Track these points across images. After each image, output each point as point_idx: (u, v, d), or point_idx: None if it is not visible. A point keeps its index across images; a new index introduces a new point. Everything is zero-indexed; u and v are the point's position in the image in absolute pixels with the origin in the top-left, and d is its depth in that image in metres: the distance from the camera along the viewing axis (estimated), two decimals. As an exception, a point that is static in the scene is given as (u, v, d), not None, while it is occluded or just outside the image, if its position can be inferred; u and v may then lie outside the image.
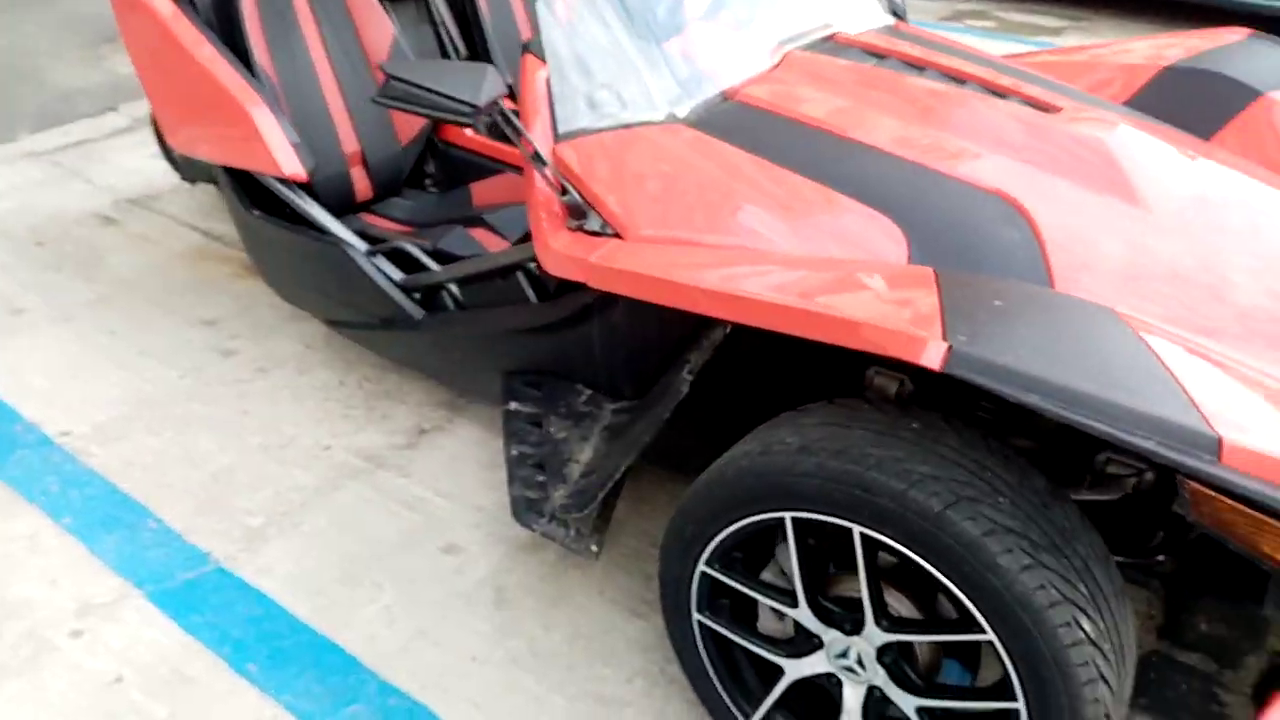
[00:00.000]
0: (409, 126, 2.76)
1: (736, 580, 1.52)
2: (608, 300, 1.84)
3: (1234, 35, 2.56)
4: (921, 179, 1.75)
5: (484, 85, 1.74)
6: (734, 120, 1.92)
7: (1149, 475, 1.52)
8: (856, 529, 1.33)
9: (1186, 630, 1.87)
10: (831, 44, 2.27)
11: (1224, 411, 1.13)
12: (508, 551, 2.11)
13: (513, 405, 2.05)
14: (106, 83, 4.70)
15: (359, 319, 2.39)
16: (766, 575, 1.57)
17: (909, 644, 1.43)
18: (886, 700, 1.45)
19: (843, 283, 1.41)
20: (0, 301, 3.01)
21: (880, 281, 1.42)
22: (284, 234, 2.39)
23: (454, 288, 2.22)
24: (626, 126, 1.91)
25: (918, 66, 2.17)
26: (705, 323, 1.74)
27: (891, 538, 1.29)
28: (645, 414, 1.65)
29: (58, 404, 2.56)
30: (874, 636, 1.40)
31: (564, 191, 1.82)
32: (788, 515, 1.39)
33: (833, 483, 1.32)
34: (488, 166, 2.79)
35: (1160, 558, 1.55)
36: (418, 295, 2.29)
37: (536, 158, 1.82)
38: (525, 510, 1.83)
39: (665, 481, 2.27)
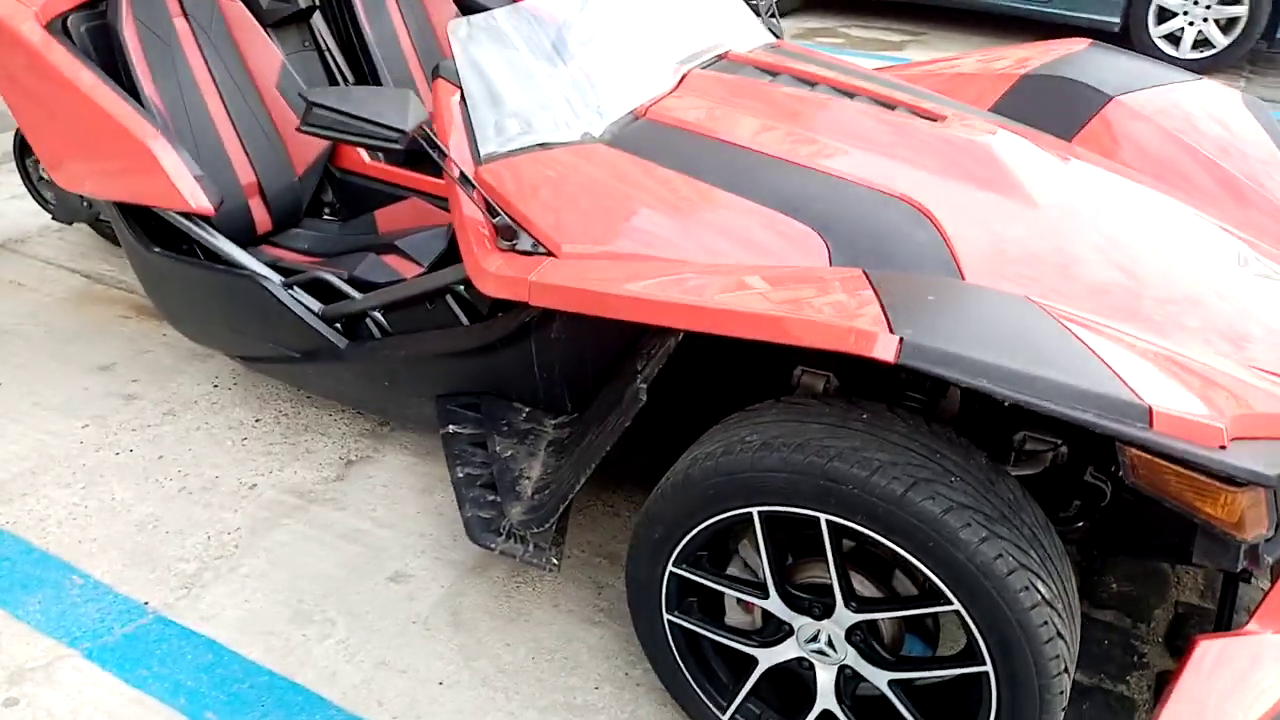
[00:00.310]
0: (305, 156, 2.74)
1: (707, 578, 1.60)
2: (545, 318, 1.90)
3: (1079, 45, 2.82)
4: (831, 189, 1.88)
5: (409, 110, 1.77)
6: (648, 138, 2.01)
7: (1064, 449, 1.68)
8: (824, 517, 1.43)
9: (1099, 590, 2.06)
10: (726, 63, 2.39)
11: (1146, 383, 1.29)
12: (457, 575, 2.13)
13: (451, 428, 2.08)
14: (-52, 122, 4.42)
15: (276, 353, 2.36)
16: (732, 570, 1.66)
17: (875, 622, 1.54)
18: (857, 678, 1.56)
19: (785, 287, 1.52)
20: None
21: (818, 284, 1.53)
22: (191, 271, 2.34)
23: (378, 315, 2.23)
24: (545, 147, 1.97)
25: (809, 82, 2.31)
26: (643, 333, 1.82)
27: (858, 523, 1.40)
28: (600, 426, 1.71)
29: (-50, 464, 2.42)
30: (843, 618, 1.51)
31: (494, 213, 1.87)
32: (755, 510, 1.48)
33: (798, 475, 1.42)
34: (389, 193, 2.79)
35: (1079, 524, 1.72)
36: (338, 325, 2.28)
37: (464, 180, 1.87)
38: (481, 530, 1.86)
39: (600, 491, 2.34)
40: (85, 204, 3.12)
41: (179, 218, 2.27)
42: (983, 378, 1.28)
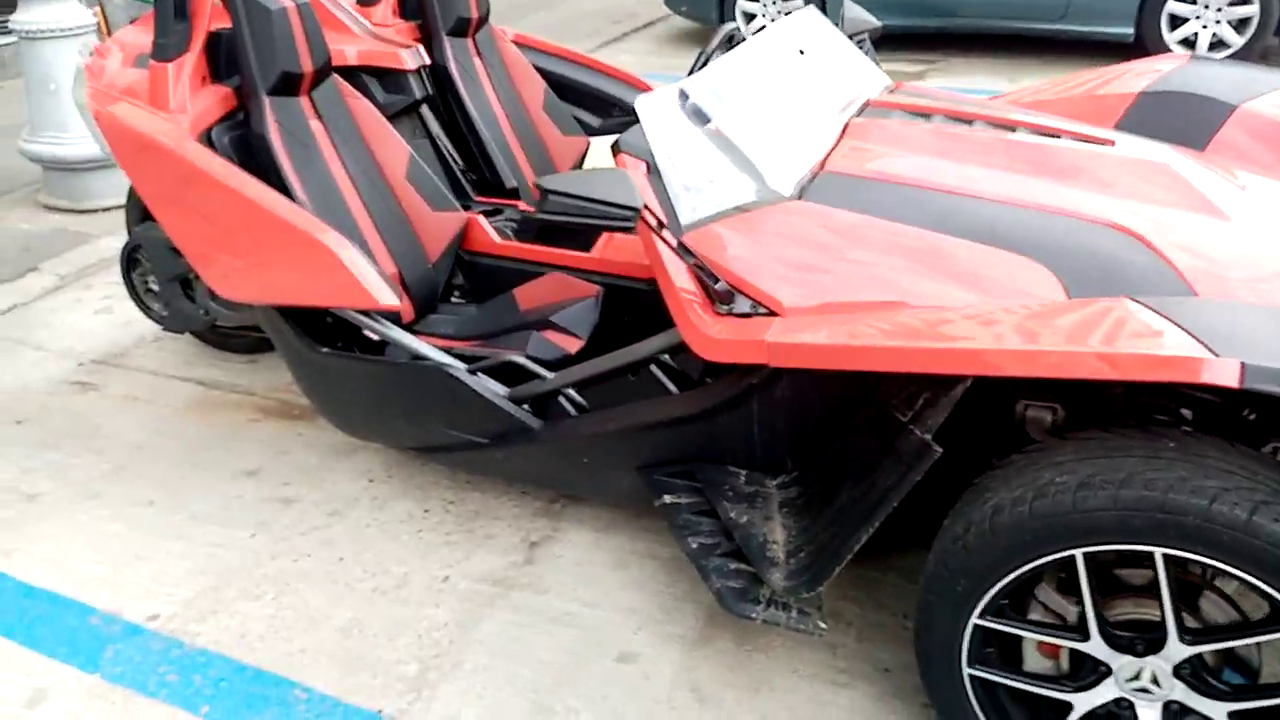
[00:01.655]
0: (437, 242, 2.73)
1: (1016, 626, 1.58)
2: (771, 378, 1.89)
3: (1178, 59, 2.87)
4: (1038, 221, 1.89)
5: (634, 189, 1.77)
6: (840, 190, 2.01)
7: None
8: (1159, 551, 1.41)
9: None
10: (874, 109, 2.41)
11: None
12: (683, 649, 2.09)
13: (667, 499, 2.05)
14: (13, 244, 4.38)
15: (459, 441, 2.33)
16: (1033, 614, 1.63)
17: (1203, 654, 1.51)
18: (1184, 714, 1.53)
19: (1065, 323, 1.51)
20: (6, 489, 2.75)
21: (1094, 316, 1.53)
22: (365, 367, 2.32)
23: (572, 392, 2.21)
24: (743, 210, 1.97)
25: (965, 120, 2.34)
26: (876, 385, 1.80)
27: (1197, 553, 1.38)
28: (867, 482, 1.69)
29: (127, 588, 2.36)
30: (1174, 653, 1.48)
31: (714, 279, 1.86)
32: (1079, 551, 1.46)
33: (1131, 511, 1.40)
34: (522, 271, 2.78)
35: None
36: (525, 406, 2.26)
37: (681, 249, 1.86)
38: (737, 600, 1.83)
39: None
40: (202, 312, 3.09)
41: (358, 316, 2.25)
42: (1335, 393, 1.27)
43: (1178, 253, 1.82)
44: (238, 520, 2.58)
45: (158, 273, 3.03)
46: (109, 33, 4.54)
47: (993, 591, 1.55)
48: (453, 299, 2.88)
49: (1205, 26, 6.04)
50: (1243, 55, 5.99)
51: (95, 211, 4.64)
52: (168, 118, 2.31)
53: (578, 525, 2.49)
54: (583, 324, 2.52)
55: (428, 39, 3.06)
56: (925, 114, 2.37)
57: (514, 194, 3.10)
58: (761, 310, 1.84)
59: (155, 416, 3.08)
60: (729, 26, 2.74)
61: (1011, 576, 1.52)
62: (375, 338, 2.44)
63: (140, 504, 2.67)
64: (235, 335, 3.38)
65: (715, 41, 2.68)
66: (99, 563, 2.45)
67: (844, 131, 2.26)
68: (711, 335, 1.82)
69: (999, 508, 1.52)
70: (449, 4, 3.06)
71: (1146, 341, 1.39)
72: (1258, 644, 1.55)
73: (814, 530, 1.81)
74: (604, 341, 2.55)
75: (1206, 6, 6.00)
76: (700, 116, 2.06)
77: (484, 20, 3.20)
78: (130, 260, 3.23)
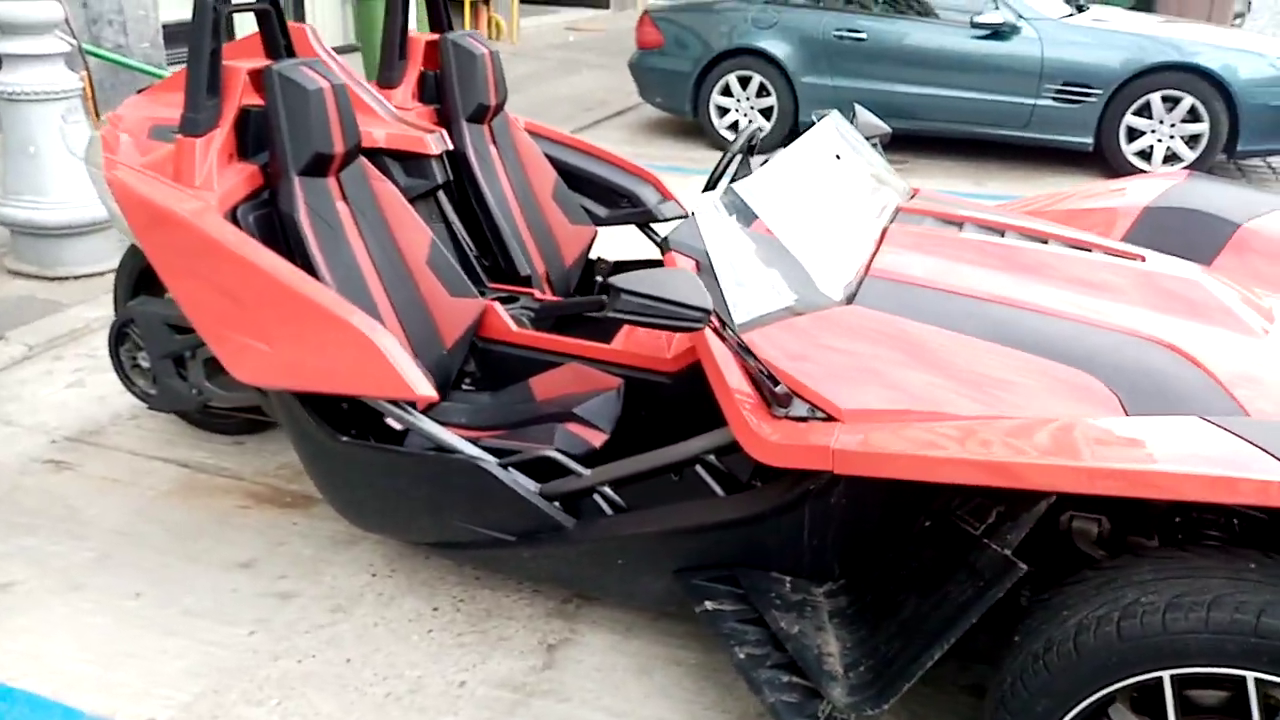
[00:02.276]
0: (454, 329, 2.68)
1: (1095, 748, 1.54)
2: (829, 484, 1.86)
3: (1178, 175, 2.98)
4: (1087, 335, 1.91)
5: (702, 289, 1.75)
6: (889, 297, 2.02)
7: None
8: (1251, 675, 1.40)
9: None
10: (906, 215, 2.45)
11: None
12: (720, 761, 2.01)
13: (709, 605, 1.99)
14: (-23, 309, 4.21)
15: (482, 537, 2.24)
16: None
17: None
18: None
19: (1150, 442, 1.52)
20: (-23, 579, 2.57)
21: (1173, 434, 1.53)
22: (388, 458, 2.23)
23: (607, 489, 2.15)
24: (795, 312, 1.97)
25: (996, 230, 2.38)
26: (932, 494, 1.79)
27: (1291, 677, 1.37)
28: (938, 595, 1.66)
29: (119, 690, 2.20)
30: (1263, 777, 1.46)
31: (774, 381, 1.84)
32: (1167, 674, 1.44)
33: (1223, 635, 1.39)
34: (537, 360, 2.74)
35: None
36: (557, 503, 2.19)
37: (743, 349, 1.84)
38: (794, 715, 1.76)
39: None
40: (195, 392, 2.97)
41: (385, 404, 2.18)
42: None
43: (1222, 369, 1.86)
44: (234, 616, 2.44)
45: (150, 349, 2.92)
46: (94, 98, 4.46)
47: (1074, 713, 1.51)
48: (463, 386, 2.81)
49: (1160, 140, 6.34)
50: (1194, 169, 6.28)
51: (65, 279, 4.48)
52: (194, 194, 2.24)
53: (595, 627, 2.40)
54: (605, 417, 2.47)
55: (446, 124, 3.05)
56: (956, 222, 2.41)
57: (527, 281, 3.07)
58: (819, 415, 1.81)
59: (138, 500, 2.93)
60: (750, 128, 2.78)
61: (1095, 698, 1.49)
62: (397, 426, 2.36)
63: (127, 596, 2.51)
64: (221, 416, 3.25)
65: (738, 144, 2.72)
66: (85, 660, 2.29)
67: (883, 236, 2.28)
68: (769, 439, 1.79)
69: (1082, 627, 1.49)
70: (469, 90, 3.06)
71: (1241, 466, 1.40)
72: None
73: (874, 643, 1.76)
74: (624, 435, 2.50)
75: (1161, 122, 6.30)
76: (751, 218, 2.07)
77: (500, 107, 3.20)
78: (119, 335, 3.12)
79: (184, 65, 2.35)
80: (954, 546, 1.71)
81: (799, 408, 1.84)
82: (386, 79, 3.01)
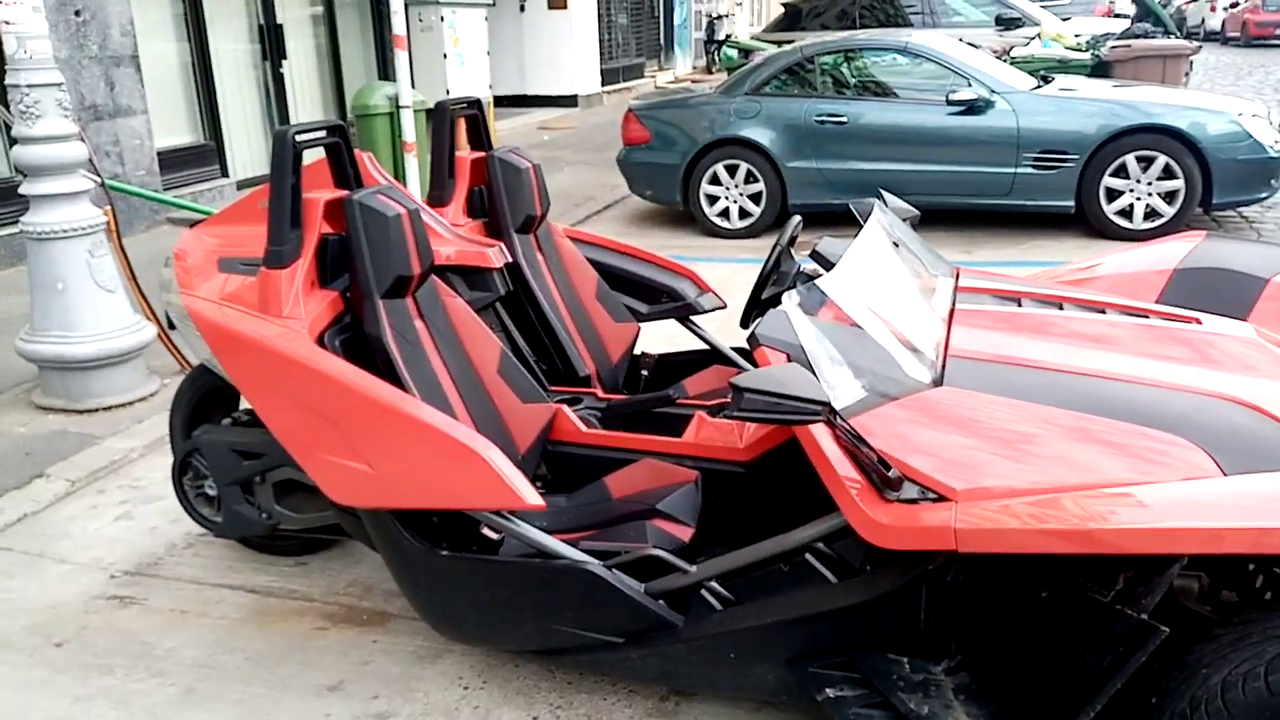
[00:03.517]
0: (527, 435, 2.73)
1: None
2: (946, 563, 1.91)
3: (1196, 236, 3.13)
4: (1175, 399, 2.00)
5: (814, 383, 1.83)
6: (977, 376, 2.11)
7: None
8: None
9: None
10: (966, 295, 2.56)
11: None
12: None
13: (830, 693, 2.02)
14: (12, 449, 4.19)
15: (590, 641, 2.26)
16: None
17: None
18: None
19: (1267, 497, 1.59)
20: (65, 726, 2.54)
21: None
22: (491, 569, 2.26)
23: (715, 585, 2.19)
24: (889, 398, 2.05)
25: (1054, 304, 2.49)
26: (1038, 565, 1.85)
27: None
28: (1088, 667, 1.69)
29: (231, 829, 2.18)
30: None
31: (886, 466, 1.91)
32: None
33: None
34: (609, 458, 2.79)
35: None
36: (662, 601, 2.23)
37: (855, 436, 1.91)
38: (937, 795, 1.79)
39: None
40: (264, 516, 2.99)
41: (489, 514, 2.22)
42: None
43: (1296, 423, 1.95)
44: (334, 741, 2.43)
45: (218, 477, 2.94)
46: (118, 231, 4.54)
47: (1231, 773, 1.55)
48: (536, 489, 2.85)
49: (1139, 199, 6.60)
50: (1173, 224, 6.52)
51: (95, 411, 4.49)
52: (282, 324, 2.30)
53: (698, 722, 2.41)
54: (688, 510, 2.52)
55: (495, 236, 3.15)
56: (1014, 298, 2.52)
57: (586, 382, 3.14)
58: (931, 495, 1.88)
59: (212, 630, 2.92)
60: (795, 221, 2.90)
61: (1254, 756, 1.54)
62: (494, 536, 2.39)
63: (220, 730, 2.49)
64: (284, 538, 3.25)
65: (786, 234, 2.83)
66: (192, 800, 2.26)
67: (951, 316, 2.38)
68: (884, 522, 1.85)
69: (1228, 684, 1.55)
70: (517, 203, 3.18)
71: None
72: None
73: (1010, 717, 1.80)
74: (702, 527, 2.55)
75: (1138, 181, 6.57)
76: (832, 310, 2.16)
77: (544, 217, 3.31)
78: (183, 465, 3.13)
79: (239, 197, 2.43)
80: (1083, 615, 1.76)
81: (909, 490, 1.90)
82: (437, 198, 3.12)
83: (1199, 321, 2.36)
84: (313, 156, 2.55)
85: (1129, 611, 1.65)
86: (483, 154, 3.25)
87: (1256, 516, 1.55)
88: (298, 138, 2.40)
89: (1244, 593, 1.98)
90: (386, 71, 11.16)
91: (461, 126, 3.39)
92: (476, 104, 3.30)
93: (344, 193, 2.50)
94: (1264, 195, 6.54)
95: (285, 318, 2.33)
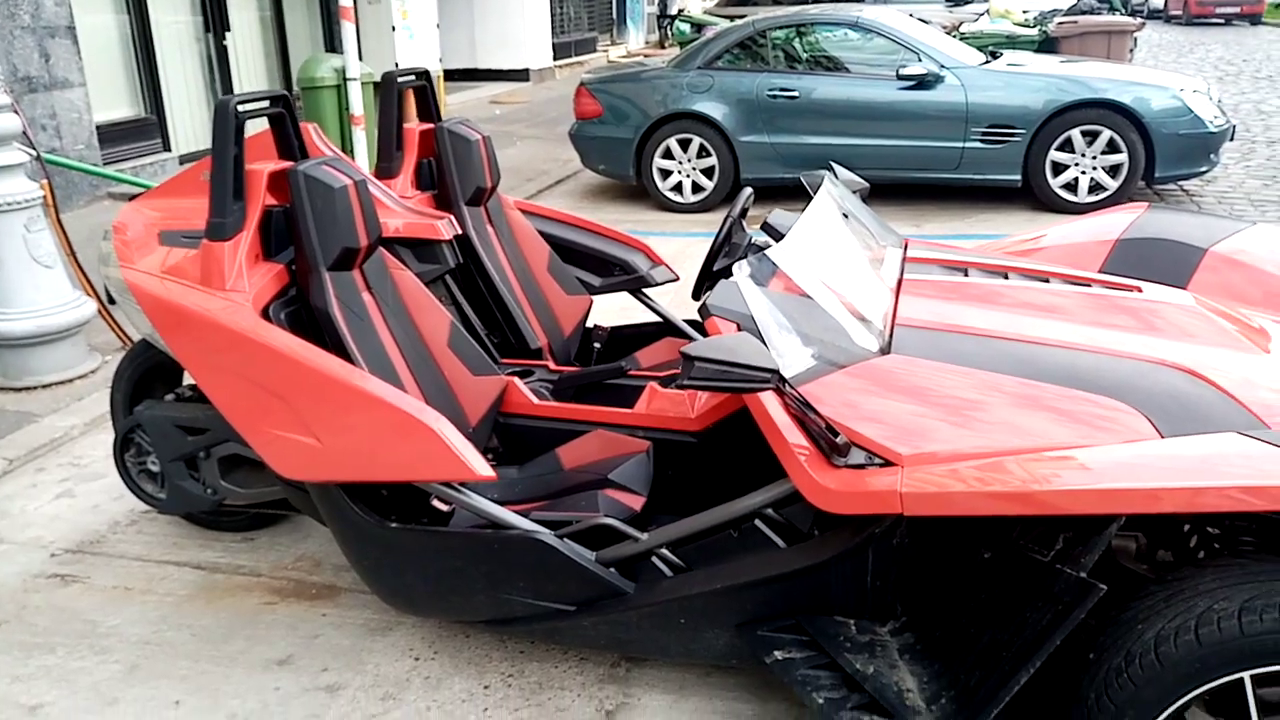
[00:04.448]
0: (478, 408, 2.72)
1: (1181, 753, 1.63)
2: (893, 526, 1.94)
3: (1138, 208, 3.19)
4: (1109, 365, 2.05)
5: (765, 351, 1.84)
6: (923, 344, 2.13)
7: None
8: (1325, 667, 1.51)
9: None
10: (915, 265, 2.58)
11: None
12: (803, 808, 2.05)
13: (778, 655, 2.05)
14: (-55, 427, 4.08)
15: (541, 610, 2.27)
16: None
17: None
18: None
19: (1201, 459, 1.63)
20: (6, 704, 2.49)
21: (1220, 451, 1.66)
22: (442, 540, 2.25)
23: (665, 551, 2.20)
24: (839, 366, 2.07)
25: (1000, 273, 2.53)
26: (977, 527, 1.88)
27: (1360, 666, 1.49)
28: (1017, 624, 1.74)
29: (179, 805, 2.16)
30: (1342, 765, 1.57)
31: (834, 433, 1.93)
32: (1247, 674, 1.55)
33: (1296, 632, 1.50)
34: (561, 430, 2.79)
35: None
36: (613, 569, 2.24)
37: (804, 404, 1.93)
38: (882, 753, 1.82)
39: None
40: (210, 492, 2.95)
41: (439, 486, 2.20)
42: None
43: (1237, 387, 2.00)
44: (283, 715, 2.41)
45: (160, 453, 2.89)
46: (55, 205, 4.42)
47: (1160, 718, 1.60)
48: (487, 461, 2.84)
49: (1084, 173, 6.70)
50: (1116, 198, 6.65)
51: (34, 389, 4.38)
52: (225, 296, 2.26)
53: (649, 689, 2.43)
54: (640, 480, 2.53)
55: (445, 208, 3.11)
56: (961, 268, 2.55)
57: (538, 355, 3.12)
58: (878, 461, 1.90)
59: (157, 607, 2.87)
60: (746, 193, 2.91)
61: (1180, 704, 1.59)
62: (444, 508, 2.38)
63: (166, 706, 2.46)
64: (229, 514, 3.22)
65: (738, 206, 2.84)
66: (138, 777, 2.24)
67: (899, 286, 2.41)
68: (832, 488, 1.87)
69: (1161, 638, 1.59)
70: (467, 175, 3.14)
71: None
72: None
73: (954, 675, 1.84)
74: (654, 496, 2.56)
75: (1083, 155, 6.68)
76: (782, 280, 2.17)
77: (495, 189, 3.28)
78: (124, 441, 3.07)
79: (181, 170, 2.38)
80: (1024, 575, 1.80)
81: (857, 456, 1.92)
82: (385, 170, 3.07)
83: (1140, 290, 2.41)
84: (261, 130, 2.50)
85: (1068, 570, 1.69)
86: (431, 125, 3.21)
87: (1191, 477, 1.59)
88: (240, 108, 2.35)
89: (1179, 552, 2.04)
90: (333, 44, 10.96)
91: (411, 100, 3.34)
92: (424, 75, 3.25)
93: (288, 164, 2.45)
94: (1204, 169, 6.69)
95: (228, 291, 2.29)
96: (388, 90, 3.08)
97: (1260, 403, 1.96)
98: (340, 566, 3.01)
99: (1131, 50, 10.80)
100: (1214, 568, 1.66)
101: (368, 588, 2.50)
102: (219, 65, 9.53)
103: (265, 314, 2.32)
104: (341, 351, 2.33)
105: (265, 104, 2.47)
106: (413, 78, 3.21)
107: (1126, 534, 2.03)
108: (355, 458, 2.16)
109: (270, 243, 2.43)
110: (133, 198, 2.87)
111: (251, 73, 10.12)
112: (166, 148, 8.78)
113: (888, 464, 1.89)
